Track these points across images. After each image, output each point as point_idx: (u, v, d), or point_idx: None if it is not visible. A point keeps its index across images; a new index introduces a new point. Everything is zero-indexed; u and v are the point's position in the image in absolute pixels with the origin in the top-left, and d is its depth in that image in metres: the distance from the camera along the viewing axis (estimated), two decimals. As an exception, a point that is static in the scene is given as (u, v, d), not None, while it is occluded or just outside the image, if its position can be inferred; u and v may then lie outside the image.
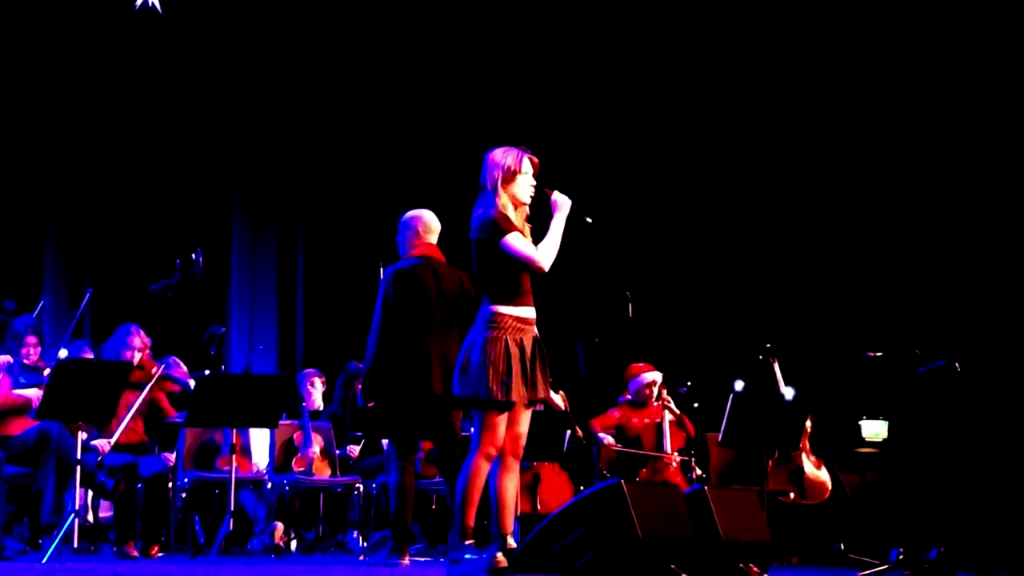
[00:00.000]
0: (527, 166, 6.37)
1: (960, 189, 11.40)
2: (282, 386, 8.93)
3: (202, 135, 11.69)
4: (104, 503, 8.81)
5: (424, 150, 11.95)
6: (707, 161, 12.11)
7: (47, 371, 8.71)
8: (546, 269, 6.27)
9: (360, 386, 9.71)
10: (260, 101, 11.91)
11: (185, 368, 9.00)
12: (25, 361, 8.88)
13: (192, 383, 8.59)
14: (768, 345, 9.60)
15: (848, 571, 7.78)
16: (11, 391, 8.60)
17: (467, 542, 6.31)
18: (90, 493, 8.64)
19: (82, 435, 8.12)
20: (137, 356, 8.42)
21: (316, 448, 9.41)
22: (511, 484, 6.40)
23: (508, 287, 6.26)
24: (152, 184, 11.49)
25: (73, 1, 11.22)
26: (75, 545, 7.84)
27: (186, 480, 8.95)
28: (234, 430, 8.71)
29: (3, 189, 11.11)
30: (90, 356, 8.94)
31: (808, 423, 9.20)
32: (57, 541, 7.51)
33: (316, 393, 10.09)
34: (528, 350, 6.24)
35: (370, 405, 7.34)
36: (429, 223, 7.58)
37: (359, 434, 9.81)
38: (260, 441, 9.61)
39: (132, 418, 8.38)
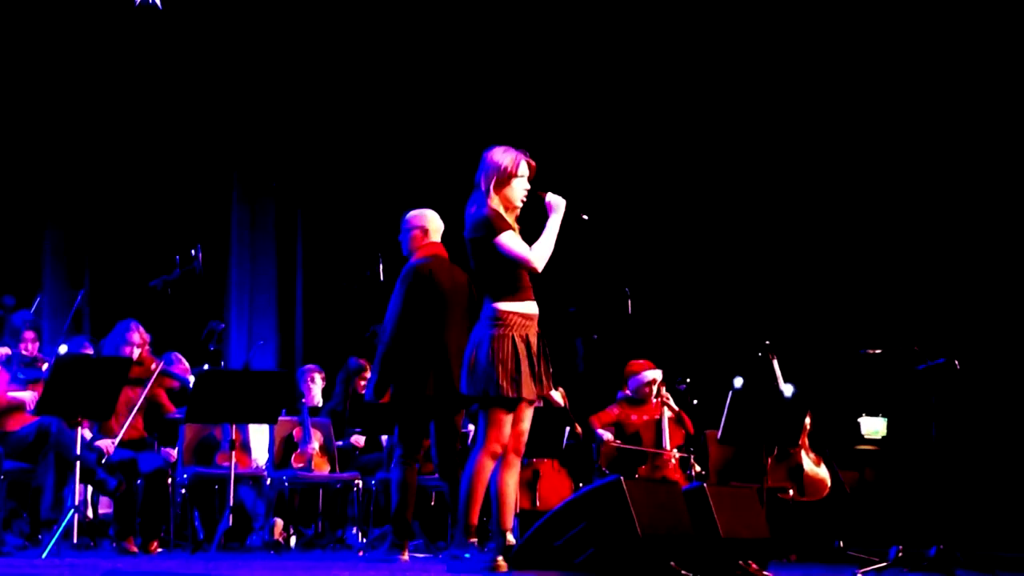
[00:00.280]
0: (524, 169, 6.37)
1: (959, 187, 11.40)
2: (281, 382, 8.93)
3: (201, 129, 11.68)
4: (104, 498, 8.81)
5: (423, 148, 11.95)
6: (706, 159, 12.11)
7: (45, 366, 8.71)
8: (539, 269, 6.28)
9: (362, 382, 9.78)
10: (260, 98, 11.91)
11: (186, 364, 9.01)
12: (24, 353, 8.88)
13: (192, 379, 8.59)
14: (767, 342, 9.61)
15: (847, 568, 7.77)
16: (6, 392, 8.60)
17: (470, 540, 6.32)
18: (89, 489, 8.64)
19: (86, 433, 8.13)
20: (136, 352, 8.42)
21: (315, 444, 9.42)
22: (512, 481, 6.41)
23: (508, 284, 6.27)
24: (150, 180, 11.49)
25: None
26: (75, 540, 7.84)
27: (185, 476, 8.96)
28: (233, 426, 8.70)
29: (1, 184, 11.10)
30: (89, 352, 8.93)
31: (807, 420, 9.21)
32: (57, 537, 7.51)
33: (316, 389, 10.10)
34: (534, 346, 6.26)
35: (383, 400, 7.31)
36: (435, 222, 7.58)
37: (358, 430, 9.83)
38: (259, 437, 9.62)
39: (130, 414, 8.39)
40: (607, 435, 9.55)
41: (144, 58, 11.39)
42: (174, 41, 11.38)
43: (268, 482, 9.28)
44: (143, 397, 8.37)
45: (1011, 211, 11.23)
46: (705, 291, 11.93)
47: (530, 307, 6.31)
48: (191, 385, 8.54)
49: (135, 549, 7.96)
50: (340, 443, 9.79)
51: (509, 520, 6.37)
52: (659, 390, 9.68)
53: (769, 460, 8.97)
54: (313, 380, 10.09)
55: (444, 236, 7.65)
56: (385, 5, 11.99)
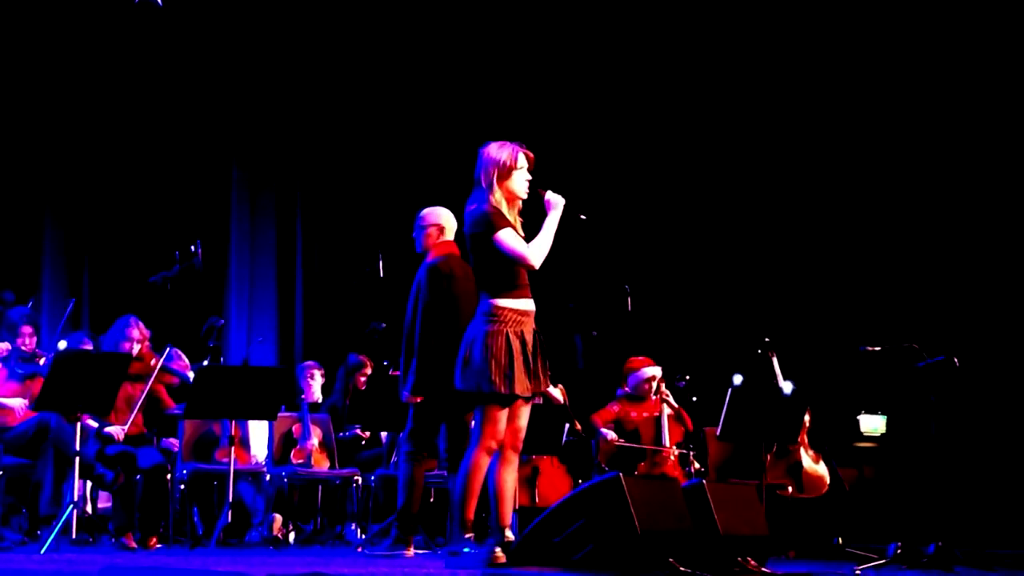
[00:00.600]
0: (522, 161, 6.38)
1: (959, 184, 11.40)
2: (281, 378, 8.94)
3: (200, 124, 11.66)
4: (103, 494, 8.82)
5: (422, 143, 11.94)
6: (706, 155, 12.11)
7: (43, 360, 8.71)
8: (536, 266, 6.29)
9: (362, 378, 9.77)
10: (258, 94, 11.89)
11: (186, 360, 9.01)
12: (23, 348, 8.88)
13: (191, 375, 8.60)
14: (767, 339, 9.61)
15: (846, 565, 7.77)
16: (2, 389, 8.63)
17: (467, 535, 6.33)
18: (88, 484, 8.64)
19: (91, 423, 8.13)
20: (136, 348, 8.42)
21: (315, 440, 9.42)
22: (510, 477, 6.41)
23: (505, 280, 6.28)
24: (150, 175, 11.47)
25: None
26: (73, 536, 7.85)
27: (185, 472, 8.96)
28: (233, 422, 8.71)
29: (1, 180, 11.09)
30: (89, 347, 8.93)
31: (807, 417, 9.21)
32: (55, 532, 7.51)
33: (315, 385, 10.10)
34: (529, 343, 6.26)
35: (418, 400, 7.28)
36: (450, 220, 7.56)
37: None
38: (259, 433, 9.62)
39: (131, 410, 8.40)
40: (611, 434, 9.55)
41: (142, 50, 11.37)
42: (172, 34, 11.36)
43: (267, 478, 9.28)
44: (144, 393, 8.38)
45: (1010, 209, 11.24)
46: (705, 288, 11.93)
47: (526, 304, 6.31)
48: (191, 381, 8.54)
49: (134, 545, 7.96)
50: (343, 434, 9.79)
51: (508, 516, 6.38)
52: (658, 387, 9.68)
53: (768, 457, 8.97)
54: (312, 376, 10.09)
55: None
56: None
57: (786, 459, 9.29)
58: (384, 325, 10.14)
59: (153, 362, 8.50)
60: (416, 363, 7.24)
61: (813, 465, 9.35)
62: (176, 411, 8.75)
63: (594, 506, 6.04)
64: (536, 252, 6.28)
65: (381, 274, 9.67)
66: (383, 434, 9.80)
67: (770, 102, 11.94)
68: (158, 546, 8.16)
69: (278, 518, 9.18)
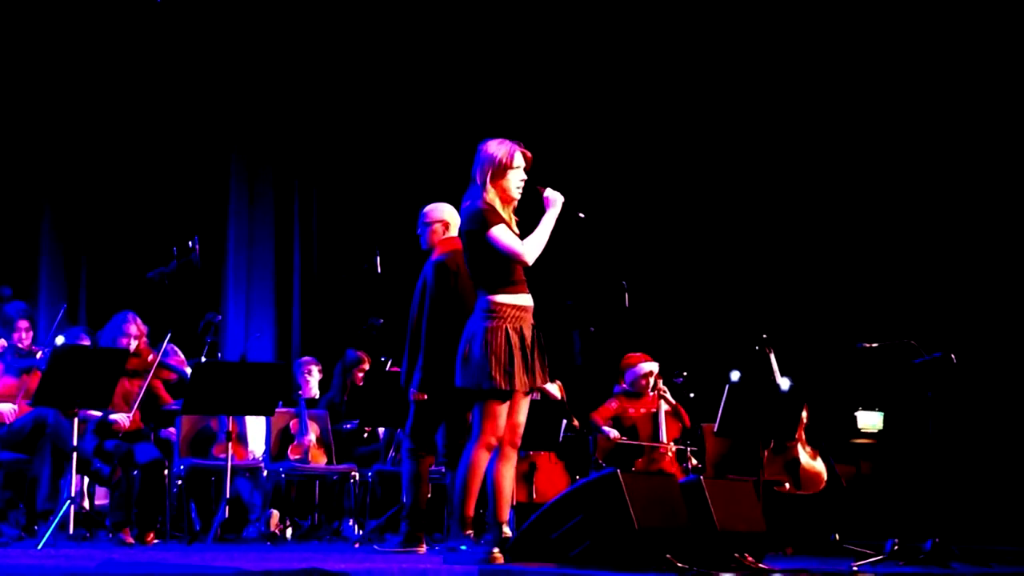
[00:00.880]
0: (519, 160, 6.37)
1: (956, 182, 11.41)
2: (278, 374, 8.93)
3: (197, 119, 11.66)
4: (100, 490, 8.81)
5: (421, 140, 11.95)
6: (704, 152, 12.11)
7: (40, 354, 8.71)
8: (530, 263, 6.29)
9: (360, 374, 9.77)
10: (257, 90, 11.90)
11: (182, 355, 9.01)
12: (19, 346, 8.87)
13: (188, 371, 8.59)
14: (764, 335, 9.60)
15: (843, 561, 7.78)
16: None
17: (466, 532, 6.33)
18: (86, 480, 8.64)
19: (94, 413, 8.13)
20: (133, 343, 8.41)
21: (312, 436, 9.41)
22: (508, 473, 6.41)
23: (501, 277, 6.28)
24: (147, 173, 11.47)
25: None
26: (71, 531, 7.83)
27: (182, 467, 8.95)
28: (230, 418, 8.71)
29: (-1, 175, 11.11)
30: (87, 343, 8.93)
31: (804, 414, 9.21)
32: (53, 527, 7.51)
33: (312, 381, 10.10)
34: (528, 338, 6.26)
35: (423, 397, 7.26)
36: (455, 216, 7.52)
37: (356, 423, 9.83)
38: (256, 429, 9.61)
39: (129, 406, 8.41)
40: (613, 432, 9.54)
41: (140, 46, 11.36)
42: (170, 30, 11.36)
43: (265, 474, 9.28)
44: (143, 389, 8.38)
45: (1007, 206, 11.24)
46: (702, 284, 11.94)
47: (524, 299, 6.32)
48: (188, 377, 8.54)
49: (131, 540, 7.96)
50: (345, 425, 9.79)
51: (505, 512, 6.38)
52: (656, 383, 9.68)
53: (766, 453, 8.97)
54: (310, 372, 10.09)
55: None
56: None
57: (783, 455, 9.29)
58: (382, 321, 10.15)
59: (151, 358, 8.50)
60: (422, 360, 7.22)
61: (810, 461, 9.35)
62: (174, 407, 8.74)
63: (592, 502, 6.04)
64: (530, 248, 6.28)
65: (379, 270, 9.67)
66: (380, 430, 9.79)
67: (767, 99, 11.95)
68: (155, 542, 8.15)
69: (275, 514, 9.17)
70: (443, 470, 8.17)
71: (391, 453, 9.45)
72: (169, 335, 8.50)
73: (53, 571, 5.67)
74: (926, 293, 11.33)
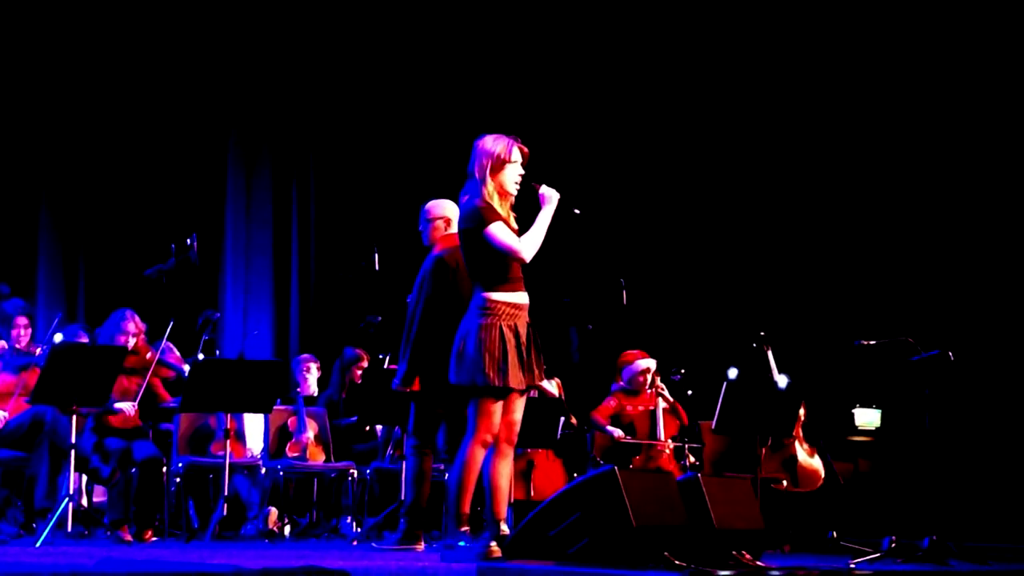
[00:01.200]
0: (516, 155, 6.37)
1: (953, 179, 11.41)
2: (277, 371, 8.93)
3: (194, 116, 11.64)
4: (98, 487, 8.82)
5: (420, 137, 11.94)
6: (702, 150, 12.11)
7: (39, 350, 8.71)
8: (527, 260, 6.29)
9: (359, 372, 9.77)
10: (254, 91, 11.89)
11: (178, 353, 9.01)
12: (17, 345, 8.87)
13: (186, 368, 8.60)
14: (762, 333, 9.61)
15: (840, 559, 7.78)
16: None
17: (462, 529, 6.33)
18: (84, 477, 8.64)
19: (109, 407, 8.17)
20: (132, 341, 8.41)
21: (310, 434, 9.42)
22: (505, 471, 6.42)
23: (498, 274, 6.28)
24: (145, 169, 11.45)
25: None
26: (69, 529, 7.83)
27: (180, 465, 8.96)
28: (228, 415, 8.71)
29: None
30: (85, 340, 8.93)
31: (801, 411, 9.22)
32: (51, 525, 7.51)
33: (311, 379, 10.09)
34: (523, 336, 6.27)
35: (407, 389, 7.26)
36: (455, 212, 7.53)
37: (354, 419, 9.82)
38: (254, 426, 9.61)
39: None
40: (617, 432, 9.53)
41: (138, 41, 11.33)
42: (167, 23, 11.35)
43: (263, 471, 9.28)
44: (142, 387, 8.39)
45: (1005, 204, 11.24)
46: (700, 282, 11.94)
47: (520, 297, 6.32)
48: (186, 374, 8.54)
49: (129, 538, 7.96)
50: (343, 420, 9.80)
51: (502, 510, 6.38)
52: (653, 380, 9.68)
53: (763, 451, 8.98)
54: (308, 370, 10.08)
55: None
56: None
57: (781, 453, 9.30)
58: (380, 318, 10.14)
59: (149, 355, 8.50)
60: (410, 353, 7.23)
61: (808, 459, 9.36)
62: (172, 404, 8.75)
63: (589, 500, 6.04)
64: (527, 246, 6.28)
65: (377, 267, 9.67)
66: (378, 427, 9.80)
67: (765, 97, 11.95)
68: (154, 539, 8.16)
69: (273, 511, 9.18)
70: (441, 467, 8.19)
71: (389, 450, 9.46)
72: (167, 333, 8.50)
73: (51, 569, 5.67)
74: (923, 290, 11.33)
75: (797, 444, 9.33)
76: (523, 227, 6.37)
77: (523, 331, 6.29)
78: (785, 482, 9.29)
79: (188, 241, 8.96)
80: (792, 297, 11.66)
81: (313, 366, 10.13)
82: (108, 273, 11.10)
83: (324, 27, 11.99)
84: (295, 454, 9.33)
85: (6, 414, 8.53)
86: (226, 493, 8.44)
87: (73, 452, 7.83)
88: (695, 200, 12.08)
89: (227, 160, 11.92)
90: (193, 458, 9.12)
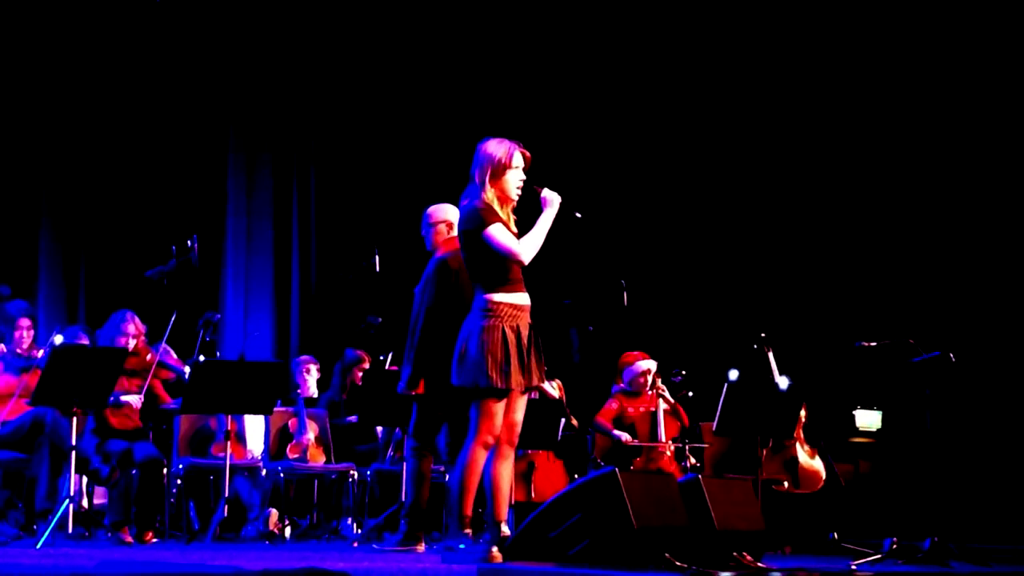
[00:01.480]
0: (518, 160, 6.38)
1: (954, 181, 11.41)
2: (277, 373, 8.93)
3: (195, 117, 11.64)
4: (99, 489, 8.81)
5: (420, 139, 11.94)
6: (702, 151, 12.11)
7: (40, 352, 8.71)
8: (526, 262, 6.30)
9: (360, 373, 9.77)
10: (255, 92, 11.88)
11: (175, 355, 9.00)
12: (18, 350, 8.86)
13: (187, 370, 8.60)
14: (763, 334, 9.61)
15: (842, 560, 7.78)
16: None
17: (464, 531, 6.33)
18: (84, 479, 8.64)
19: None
20: (132, 343, 8.42)
21: (311, 435, 9.42)
22: (506, 472, 6.42)
23: (498, 275, 6.28)
24: (145, 171, 11.45)
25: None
26: (69, 531, 7.84)
27: (181, 466, 8.95)
28: (229, 416, 8.71)
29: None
30: (85, 342, 8.93)
31: (802, 412, 9.21)
32: (51, 527, 7.51)
33: (310, 380, 10.10)
34: (524, 337, 6.27)
35: (413, 392, 7.26)
36: (456, 217, 7.54)
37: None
38: (255, 428, 9.61)
39: (126, 406, 8.43)
40: (625, 436, 9.52)
41: (138, 42, 11.33)
42: (167, 25, 11.34)
43: (263, 473, 9.28)
44: (146, 384, 8.40)
45: (1006, 205, 11.24)
46: (701, 283, 11.93)
47: (521, 298, 6.32)
48: (186, 376, 8.54)
49: (130, 539, 7.97)
50: (345, 420, 9.80)
51: (503, 511, 6.38)
52: (654, 381, 9.67)
53: (764, 452, 8.98)
54: (308, 371, 10.08)
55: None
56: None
57: (782, 454, 9.30)
58: (380, 320, 10.14)
59: (149, 357, 8.50)
60: (414, 356, 7.24)
61: (809, 460, 9.36)
62: (172, 406, 8.74)
63: (590, 501, 6.04)
64: (526, 248, 6.28)
65: (377, 269, 9.67)
66: (378, 429, 9.80)
67: (766, 98, 11.94)
68: (154, 541, 8.16)
69: (274, 513, 9.18)
70: (442, 469, 8.19)
71: (390, 452, 9.46)
72: (168, 330, 8.51)
73: (52, 570, 5.67)
74: (924, 292, 11.33)
75: (798, 445, 9.32)
76: (524, 230, 6.37)
77: (525, 332, 6.29)
78: (786, 483, 9.28)
79: (189, 242, 8.96)
80: (793, 298, 11.66)
81: (312, 367, 10.13)
82: (109, 274, 11.10)
83: (325, 28, 11.98)
84: (296, 455, 9.33)
85: None
86: (227, 494, 8.45)
87: (73, 453, 7.82)
88: (696, 201, 12.08)
89: (227, 161, 11.91)
90: (194, 459, 9.12)
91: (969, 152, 11.39)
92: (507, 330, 6.23)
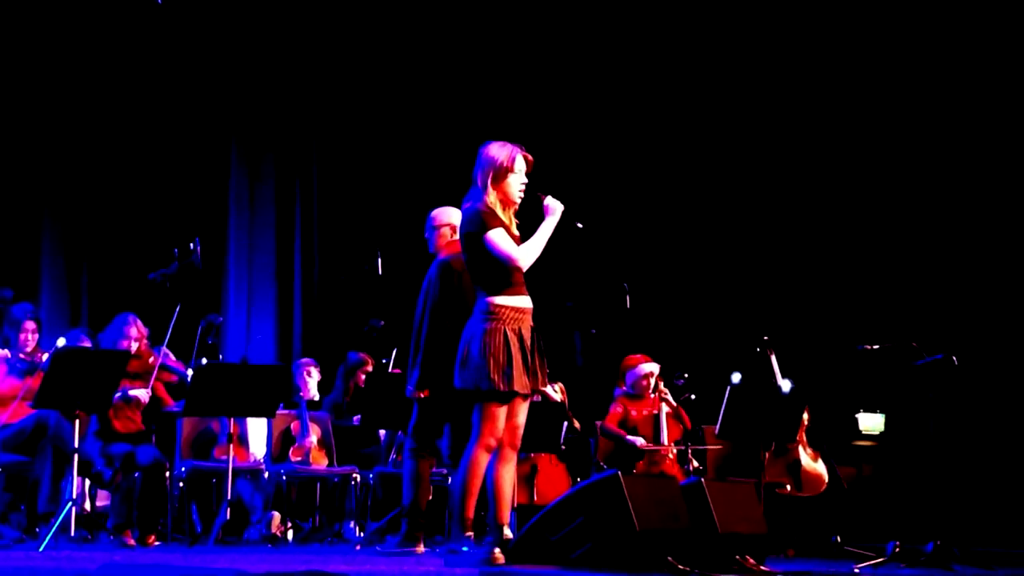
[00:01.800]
0: (520, 164, 6.39)
1: (957, 183, 11.41)
2: (279, 376, 8.93)
3: (197, 120, 11.64)
4: (101, 492, 8.81)
5: (423, 142, 11.94)
6: (705, 154, 12.11)
7: (45, 356, 8.71)
8: (524, 269, 6.31)
9: (362, 376, 9.77)
10: (257, 94, 11.88)
11: (173, 357, 9.00)
12: (22, 355, 8.86)
13: (189, 372, 8.60)
14: (765, 337, 9.60)
15: (844, 564, 7.77)
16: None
17: (466, 534, 6.33)
18: (87, 482, 8.64)
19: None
20: (134, 345, 8.42)
21: (313, 438, 9.42)
22: (508, 475, 6.42)
23: (500, 279, 6.30)
24: (148, 174, 11.45)
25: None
26: (72, 534, 7.84)
27: (183, 469, 8.95)
28: (231, 419, 8.71)
29: (-1, 176, 11.10)
30: (88, 345, 8.93)
31: (805, 416, 9.20)
32: (54, 529, 7.52)
33: (312, 382, 10.08)
34: (527, 340, 6.27)
35: (422, 395, 7.26)
36: (460, 220, 7.54)
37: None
38: (257, 431, 9.61)
39: (130, 407, 8.42)
40: (639, 440, 9.50)
41: (140, 45, 11.33)
42: (170, 27, 11.34)
43: (266, 476, 9.28)
44: (150, 386, 8.40)
45: (1009, 208, 11.24)
46: (703, 286, 11.93)
47: (523, 301, 6.33)
48: (189, 379, 8.54)
49: (132, 542, 7.97)
50: (350, 421, 9.80)
51: (506, 514, 6.39)
52: (657, 384, 9.66)
53: (767, 455, 8.97)
54: (309, 374, 10.07)
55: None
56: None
57: (784, 457, 9.29)
58: (383, 323, 10.14)
59: (151, 360, 8.51)
60: (421, 358, 7.24)
61: (812, 463, 9.35)
62: (175, 408, 8.74)
63: (593, 504, 6.04)
64: (525, 254, 6.30)
65: (380, 272, 9.67)
66: (381, 432, 9.79)
67: (768, 100, 11.94)
68: (156, 544, 8.16)
69: (276, 516, 9.17)
70: (444, 472, 8.18)
71: (392, 455, 9.45)
72: (171, 329, 8.51)
73: (54, 573, 5.68)
74: (927, 295, 11.33)
75: (801, 448, 9.31)
76: (526, 236, 6.38)
77: (527, 335, 6.30)
78: (789, 486, 9.27)
79: (191, 245, 8.96)
80: (796, 301, 11.65)
81: (314, 370, 10.12)
82: (111, 277, 11.10)
83: (327, 32, 11.99)
84: (298, 458, 9.33)
85: None
86: (229, 497, 8.45)
87: (76, 456, 7.83)
88: (698, 204, 12.08)
89: (230, 164, 11.91)
90: (196, 462, 9.12)
91: (971, 155, 11.39)
92: (509, 333, 6.23)
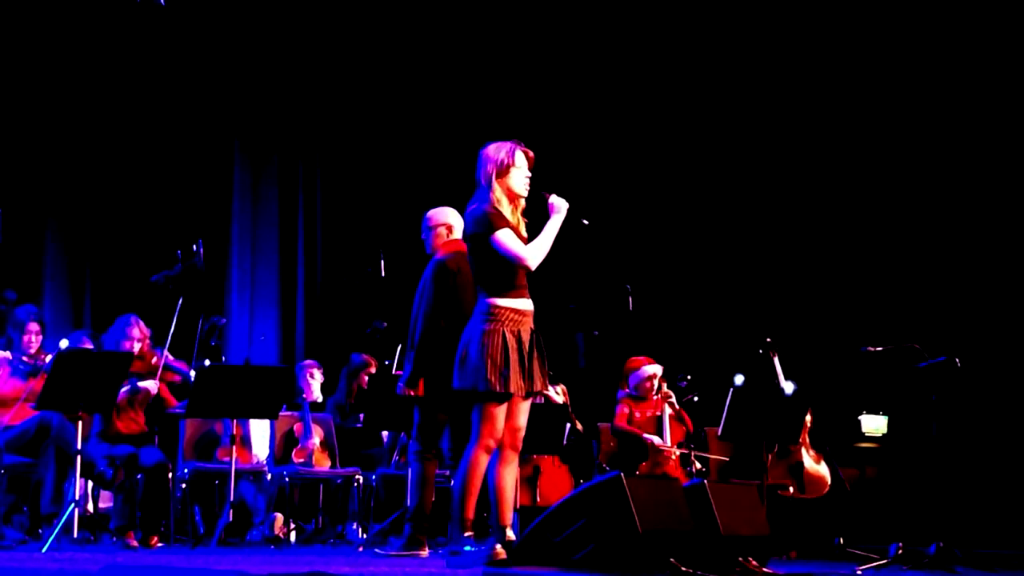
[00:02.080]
0: (520, 159, 6.40)
1: (960, 185, 11.40)
2: (282, 377, 8.93)
3: (200, 121, 11.65)
4: (104, 493, 8.82)
5: (425, 144, 11.95)
6: (708, 155, 12.11)
7: (48, 357, 8.71)
8: (533, 268, 6.33)
9: (366, 377, 9.77)
10: (260, 97, 11.89)
11: (172, 359, 9.00)
12: (24, 358, 8.87)
13: (193, 374, 8.61)
14: (768, 339, 9.60)
15: (847, 566, 7.78)
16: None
17: (467, 534, 6.34)
18: (90, 483, 8.65)
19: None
20: (137, 347, 8.43)
21: (316, 439, 9.42)
22: (510, 476, 6.43)
23: (503, 280, 6.30)
24: (151, 176, 11.46)
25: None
26: (75, 535, 7.84)
27: (186, 471, 8.96)
28: (234, 421, 8.72)
29: (2, 179, 11.08)
30: (90, 346, 8.94)
31: (808, 417, 9.21)
32: (57, 531, 7.52)
33: (315, 384, 10.09)
34: (526, 342, 6.27)
35: (411, 392, 7.27)
36: (457, 219, 7.55)
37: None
38: (260, 432, 9.62)
39: (133, 408, 8.42)
40: (657, 439, 9.49)
41: (143, 48, 11.33)
42: (172, 30, 11.34)
43: (268, 477, 9.28)
44: (155, 385, 8.41)
45: (1011, 210, 11.23)
46: (706, 288, 11.93)
47: (524, 304, 6.33)
48: (192, 380, 8.54)
49: (135, 543, 7.96)
50: (353, 423, 9.80)
51: (508, 516, 6.39)
52: (660, 386, 9.67)
53: (770, 457, 8.97)
54: (312, 375, 10.08)
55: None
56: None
57: (787, 459, 9.29)
58: (386, 324, 10.15)
59: (154, 361, 8.51)
60: (413, 356, 7.25)
61: (814, 465, 9.35)
62: (178, 410, 8.75)
63: (595, 506, 6.04)
64: (533, 254, 6.30)
65: (382, 273, 9.68)
66: (384, 433, 9.80)
67: (772, 103, 11.94)
68: (159, 545, 8.16)
69: (279, 517, 9.18)
70: (447, 473, 8.18)
71: (395, 457, 9.45)
72: (171, 334, 8.51)
73: (57, 575, 5.68)
74: (930, 297, 11.32)
75: (803, 450, 9.32)
76: (532, 236, 6.39)
77: (526, 337, 6.30)
78: (791, 488, 9.28)
79: (194, 247, 8.97)
80: (799, 303, 11.65)
81: (317, 371, 10.13)
82: (114, 279, 11.11)
83: (329, 35, 11.99)
84: (301, 460, 9.33)
85: None
86: (232, 499, 8.45)
87: (79, 458, 7.83)
88: (701, 206, 12.08)
89: (233, 166, 11.92)
90: (199, 464, 9.13)
91: (974, 157, 11.39)
92: (508, 334, 6.24)
